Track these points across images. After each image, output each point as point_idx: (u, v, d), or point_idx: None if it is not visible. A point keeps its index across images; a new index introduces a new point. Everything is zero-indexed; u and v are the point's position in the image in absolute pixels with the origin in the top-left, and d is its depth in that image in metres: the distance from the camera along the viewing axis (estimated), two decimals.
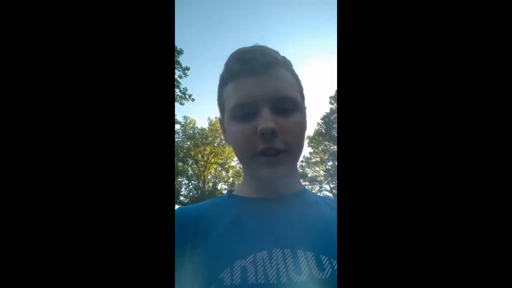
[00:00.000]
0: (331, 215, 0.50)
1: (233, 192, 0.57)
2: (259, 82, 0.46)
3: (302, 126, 0.50)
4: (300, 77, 0.56)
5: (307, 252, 0.42)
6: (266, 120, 0.45)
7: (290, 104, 0.48)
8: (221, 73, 0.53)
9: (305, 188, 0.57)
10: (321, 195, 0.61)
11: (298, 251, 0.42)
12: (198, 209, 0.52)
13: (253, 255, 0.42)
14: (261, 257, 0.42)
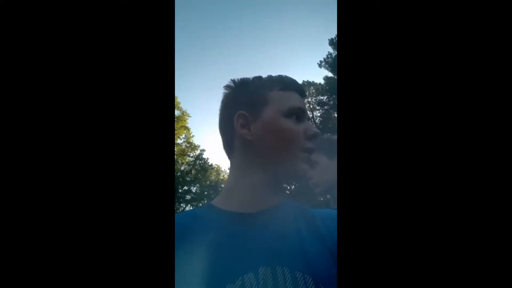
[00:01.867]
0: (307, 227, 0.53)
1: (213, 202, 0.57)
2: (303, 101, 0.61)
3: None
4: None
5: (284, 269, 0.45)
6: (311, 125, 0.58)
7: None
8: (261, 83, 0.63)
9: (283, 200, 0.58)
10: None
11: (277, 268, 0.45)
12: (177, 223, 0.51)
13: (240, 278, 0.44)
14: (249, 280, 0.44)
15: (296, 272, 0.45)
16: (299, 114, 0.58)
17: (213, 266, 0.45)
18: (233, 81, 0.62)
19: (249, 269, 0.44)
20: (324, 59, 15.82)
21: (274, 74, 0.63)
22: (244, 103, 0.59)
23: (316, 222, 0.53)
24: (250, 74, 0.64)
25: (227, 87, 0.62)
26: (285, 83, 0.60)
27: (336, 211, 0.53)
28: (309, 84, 17.08)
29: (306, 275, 0.44)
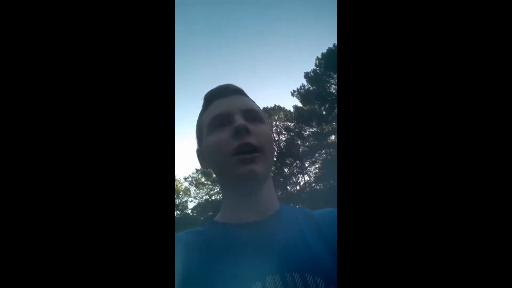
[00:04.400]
0: (310, 228, 0.53)
1: (215, 219, 0.58)
2: (229, 100, 0.56)
3: (270, 135, 0.56)
4: None
5: (294, 274, 0.44)
6: (239, 120, 0.52)
7: (258, 116, 0.56)
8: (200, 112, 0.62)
9: (281, 206, 0.58)
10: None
11: (286, 275, 0.44)
12: (181, 240, 0.52)
13: None
14: None
15: (306, 275, 0.45)
16: (220, 121, 0.54)
17: (220, 279, 0.45)
18: None
19: (257, 278, 0.44)
20: (298, 89, 16.92)
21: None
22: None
23: (318, 222, 0.53)
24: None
25: None
26: (205, 100, 0.60)
27: (335, 209, 0.53)
28: (279, 109, 18.40)
29: (316, 278, 0.44)
